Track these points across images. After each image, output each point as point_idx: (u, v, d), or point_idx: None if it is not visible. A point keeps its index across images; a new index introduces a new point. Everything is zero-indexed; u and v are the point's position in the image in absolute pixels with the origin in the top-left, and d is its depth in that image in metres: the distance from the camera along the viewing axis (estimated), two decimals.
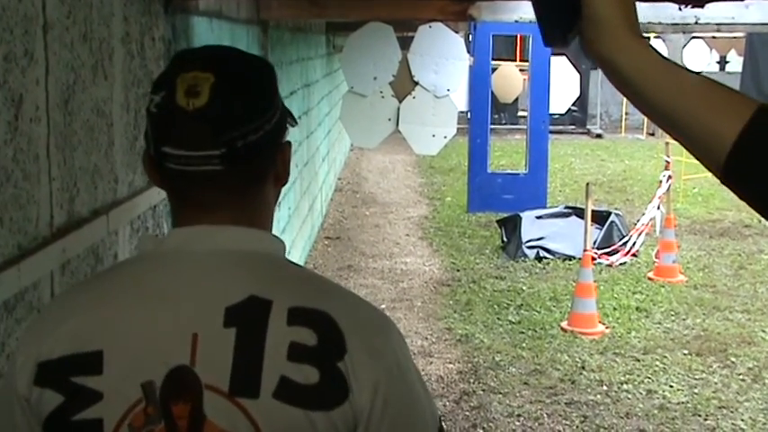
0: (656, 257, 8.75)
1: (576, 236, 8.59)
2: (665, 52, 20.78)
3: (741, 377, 6.08)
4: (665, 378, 6.05)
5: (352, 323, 1.25)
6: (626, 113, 22.03)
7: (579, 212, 9.18)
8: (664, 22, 7.22)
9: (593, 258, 7.79)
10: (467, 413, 5.48)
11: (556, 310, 7.48)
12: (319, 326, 1.23)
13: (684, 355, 6.50)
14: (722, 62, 23.65)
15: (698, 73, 1.11)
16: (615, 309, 7.52)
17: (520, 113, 20.65)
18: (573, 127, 22.55)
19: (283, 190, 1.42)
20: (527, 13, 8.57)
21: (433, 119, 7.80)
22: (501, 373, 6.11)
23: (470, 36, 12.18)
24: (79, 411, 1.22)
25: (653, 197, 9.65)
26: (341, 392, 1.21)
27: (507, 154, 17.03)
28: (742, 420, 5.41)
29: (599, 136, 21.77)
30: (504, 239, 9.60)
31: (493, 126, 14.07)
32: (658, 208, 9.30)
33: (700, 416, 5.47)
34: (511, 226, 9.59)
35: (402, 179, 14.88)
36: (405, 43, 7.84)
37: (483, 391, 5.80)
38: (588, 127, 22.76)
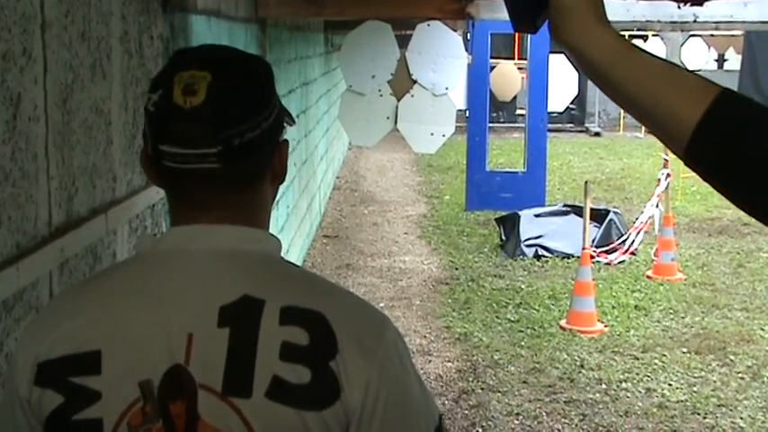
0: (654, 256, 8.75)
1: (574, 234, 8.60)
2: (663, 50, 20.82)
3: (740, 375, 6.08)
4: (664, 376, 6.05)
5: (344, 322, 1.25)
6: (624, 112, 22.01)
7: (578, 211, 9.19)
8: (662, 21, 7.22)
9: (592, 257, 7.79)
10: (466, 412, 5.48)
11: (555, 308, 7.49)
12: (311, 325, 1.23)
13: (683, 353, 6.50)
14: (720, 60, 23.64)
15: (662, 59, 1.14)
16: (614, 307, 7.52)
17: (518, 112, 20.65)
18: (571, 125, 22.56)
19: (282, 188, 1.42)
20: None
21: (431, 117, 7.80)
22: (500, 371, 6.10)
23: (469, 34, 12.18)
24: (79, 411, 1.23)
25: (651, 195, 9.64)
26: (333, 392, 1.21)
27: (506, 152, 17.04)
28: (741, 419, 5.41)
29: (597, 134, 21.78)
30: (503, 238, 9.60)
31: (491, 124, 14.08)
32: (657, 206, 9.29)
33: (699, 414, 5.47)
34: (509, 224, 9.58)
35: (400, 178, 14.88)
36: (403, 42, 7.83)
37: (482, 389, 5.80)
38: (586, 125, 22.76)
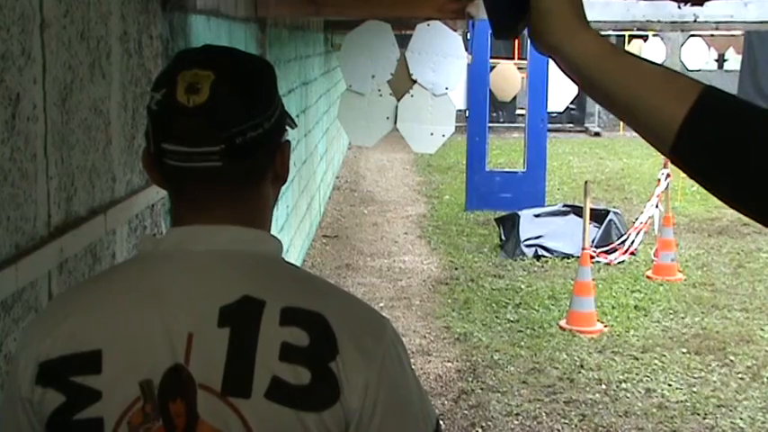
0: (654, 256, 8.75)
1: (574, 234, 8.59)
2: (663, 50, 20.82)
3: (740, 376, 6.08)
4: (663, 377, 6.04)
5: (345, 324, 1.25)
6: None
7: (578, 211, 9.18)
8: (662, 20, 7.23)
9: (592, 257, 7.78)
10: (465, 412, 5.48)
11: (554, 308, 7.48)
12: (312, 326, 1.23)
13: (683, 353, 6.49)
14: (720, 60, 23.64)
15: (645, 59, 1.15)
16: (614, 307, 7.52)
17: (518, 112, 20.63)
18: (571, 125, 22.54)
19: (281, 189, 1.42)
20: None
21: (431, 117, 7.80)
22: (499, 371, 6.10)
23: (469, 34, 12.17)
24: (80, 411, 1.23)
25: (651, 195, 9.64)
26: (332, 393, 1.21)
27: (505, 152, 17.03)
28: (741, 419, 5.41)
29: (597, 134, 21.77)
30: (503, 238, 9.59)
31: (491, 124, 14.08)
32: (657, 206, 9.29)
33: (698, 414, 5.46)
34: (509, 224, 9.58)
35: (400, 178, 14.88)
36: (403, 41, 7.83)
37: (481, 389, 5.80)
38: (586, 125, 22.75)
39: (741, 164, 1.06)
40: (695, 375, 6.09)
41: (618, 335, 6.86)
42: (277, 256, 1.33)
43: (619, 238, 9.19)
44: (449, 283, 8.32)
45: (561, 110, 18.34)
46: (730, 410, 5.52)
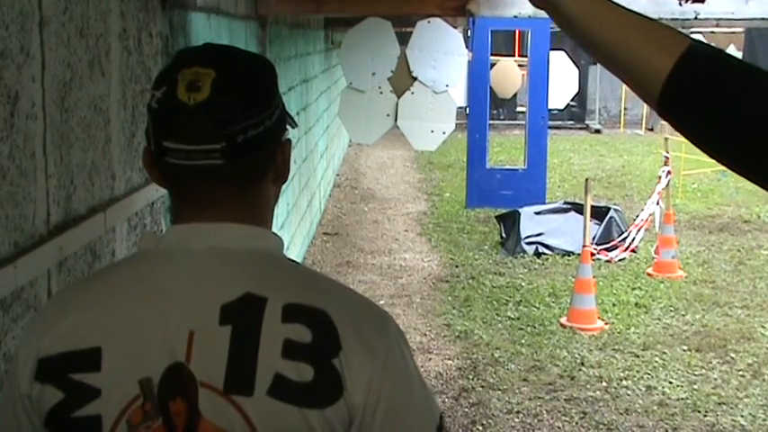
0: (655, 253, 8.74)
1: (574, 231, 8.59)
2: None
3: (741, 373, 6.08)
4: (664, 374, 6.04)
5: (347, 319, 1.25)
6: (625, 109, 22.02)
7: (578, 208, 9.18)
8: (663, 18, 7.21)
9: (593, 254, 7.78)
10: (466, 410, 5.48)
11: (555, 306, 7.48)
12: (314, 323, 1.23)
13: (684, 350, 6.49)
14: None
15: (636, 12, 1.18)
16: (614, 305, 7.51)
17: (519, 109, 20.63)
18: (572, 122, 22.54)
19: (282, 187, 1.42)
20: (526, 8, 8.56)
21: (431, 114, 7.80)
22: (500, 369, 6.10)
23: (469, 31, 12.16)
24: (79, 408, 1.23)
25: (652, 193, 9.63)
26: (336, 389, 1.21)
27: (506, 149, 17.03)
28: (742, 416, 5.40)
29: (598, 131, 21.77)
30: (503, 235, 9.59)
31: (491, 122, 14.07)
32: (657, 203, 9.28)
33: (699, 412, 5.46)
34: (510, 222, 9.58)
35: (401, 175, 14.88)
36: (403, 39, 7.84)
37: (482, 387, 5.80)
38: (587, 122, 22.75)
39: (723, 118, 1.08)
40: (696, 373, 6.08)
41: (618, 332, 6.86)
42: (278, 253, 1.33)
43: (619, 236, 9.18)
44: (449, 280, 8.32)
45: (562, 107, 18.30)
46: (731, 408, 5.52)
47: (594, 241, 8.57)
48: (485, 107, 11.92)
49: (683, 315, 7.33)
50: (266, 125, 1.29)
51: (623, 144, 19.17)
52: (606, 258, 8.82)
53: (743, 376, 6.02)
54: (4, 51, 1.85)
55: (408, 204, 12.18)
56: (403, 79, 7.79)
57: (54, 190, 2.13)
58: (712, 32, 20.60)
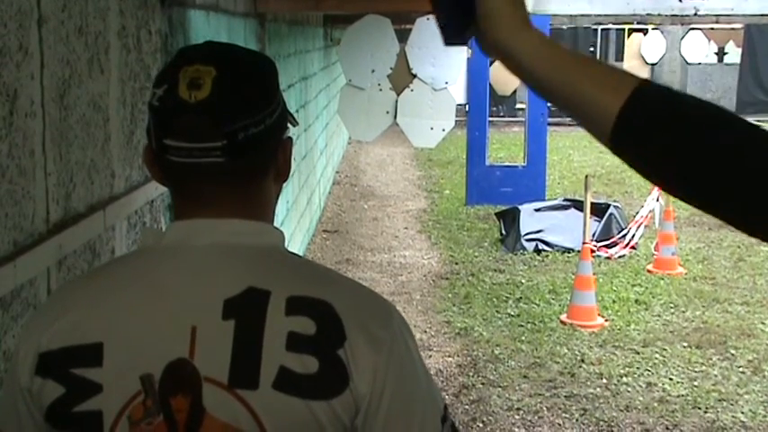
0: (655, 250, 8.74)
1: (574, 228, 8.59)
2: (663, 44, 20.79)
3: (741, 369, 6.08)
4: (664, 371, 6.04)
5: (351, 310, 1.25)
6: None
7: (578, 205, 9.18)
8: (663, 14, 7.22)
9: (593, 251, 7.78)
10: (466, 407, 5.48)
11: (555, 302, 7.48)
12: (318, 314, 1.23)
13: (684, 347, 6.49)
14: (720, 54, 23.62)
15: (583, 54, 1.21)
16: (614, 301, 7.52)
17: (518, 106, 20.63)
18: (571, 119, 22.50)
19: (283, 185, 1.42)
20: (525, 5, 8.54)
21: (431, 112, 7.79)
22: (500, 366, 6.10)
23: None
24: (79, 403, 1.23)
25: (652, 189, 9.63)
26: (341, 380, 1.21)
27: (506, 146, 17.02)
28: (742, 413, 5.40)
29: None
30: (503, 232, 9.59)
31: (491, 118, 14.06)
32: (657, 200, 9.28)
33: (699, 408, 5.46)
34: (509, 219, 9.58)
35: (400, 172, 14.87)
36: (403, 36, 7.82)
37: (482, 384, 5.80)
38: None
39: (679, 153, 1.08)
40: (696, 369, 6.08)
41: (619, 329, 6.86)
42: (281, 248, 1.34)
43: (619, 233, 9.18)
44: (449, 277, 8.32)
45: None
46: (731, 404, 5.52)
47: (594, 238, 8.57)
48: (484, 104, 11.92)
49: (683, 312, 7.33)
50: (267, 123, 1.29)
51: None
52: (606, 255, 8.82)
53: (743, 373, 6.02)
54: (3, 49, 1.85)
55: (408, 201, 12.17)
56: (402, 76, 7.78)
57: (53, 188, 2.13)
58: (712, 29, 20.62)
